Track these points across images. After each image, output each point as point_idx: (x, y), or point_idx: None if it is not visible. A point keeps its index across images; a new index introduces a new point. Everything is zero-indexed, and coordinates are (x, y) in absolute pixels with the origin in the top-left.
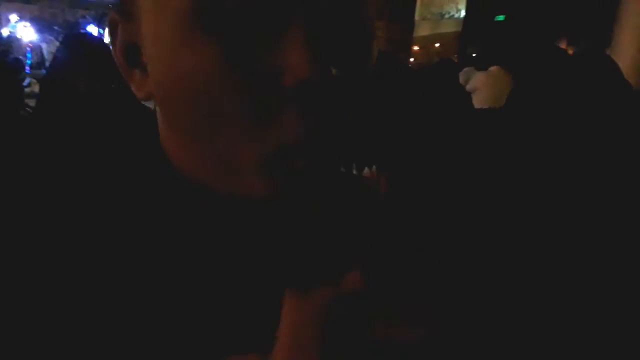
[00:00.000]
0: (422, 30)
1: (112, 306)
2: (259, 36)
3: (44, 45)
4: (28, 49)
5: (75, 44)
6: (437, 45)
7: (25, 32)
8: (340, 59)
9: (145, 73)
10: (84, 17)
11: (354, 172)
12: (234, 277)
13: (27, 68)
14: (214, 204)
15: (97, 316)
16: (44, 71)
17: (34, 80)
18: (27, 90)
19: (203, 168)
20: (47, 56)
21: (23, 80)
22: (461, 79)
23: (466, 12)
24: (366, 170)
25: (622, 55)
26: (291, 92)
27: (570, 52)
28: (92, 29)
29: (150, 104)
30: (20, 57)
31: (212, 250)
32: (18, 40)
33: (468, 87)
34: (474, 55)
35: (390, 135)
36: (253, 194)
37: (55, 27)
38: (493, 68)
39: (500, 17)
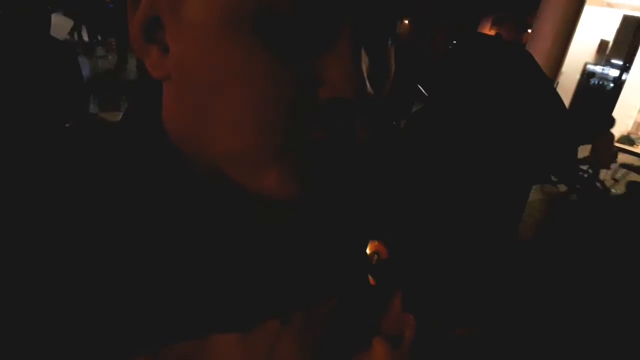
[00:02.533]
0: None
1: (116, 298)
2: (308, 45)
3: None
4: None
5: None
6: None
7: None
8: (379, 79)
9: (164, 52)
10: None
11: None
12: (237, 273)
13: None
14: (219, 193)
15: (101, 308)
16: None
17: None
18: None
19: (219, 156)
20: None
21: None
22: None
23: None
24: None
25: (539, 45)
26: (324, 105)
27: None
28: None
29: None
30: None
31: (217, 242)
32: None
33: None
34: None
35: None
36: (266, 186)
37: None
38: None
39: None
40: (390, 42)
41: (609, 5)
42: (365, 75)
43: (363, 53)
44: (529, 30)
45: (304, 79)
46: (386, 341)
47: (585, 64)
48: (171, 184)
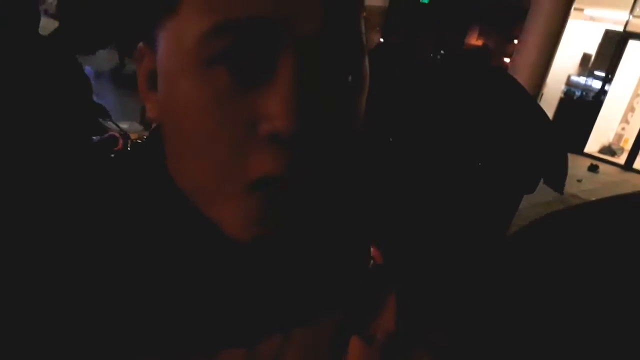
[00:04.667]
0: None
1: (119, 314)
2: (246, 80)
3: None
4: None
5: None
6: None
7: None
8: (329, 113)
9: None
10: None
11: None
12: (240, 290)
13: None
14: (210, 230)
15: (104, 325)
16: None
17: None
18: None
19: (194, 192)
20: None
21: None
22: None
23: None
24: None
25: (525, 56)
26: (264, 138)
27: (480, 42)
28: None
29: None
30: None
31: (219, 259)
32: None
33: None
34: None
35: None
36: (227, 227)
37: None
38: None
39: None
40: (350, 77)
41: (592, 19)
42: (300, 109)
43: (309, 86)
44: (515, 41)
45: (246, 116)
46: (362, 338)
47: (569, 76)
48: (174, 208)
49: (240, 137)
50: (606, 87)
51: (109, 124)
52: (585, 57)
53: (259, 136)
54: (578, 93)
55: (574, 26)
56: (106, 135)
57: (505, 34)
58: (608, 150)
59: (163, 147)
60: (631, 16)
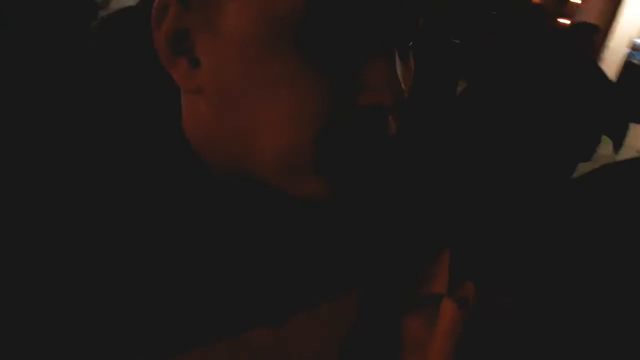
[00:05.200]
0: None
1: (128, 297)
2: (347, 55)
3: None
4: None
5: None
6: None
7: None
8: (407, 80)
9: (194, 65)
10: None
11: None
12: (260, 268)
13: None
14: (242, 195)
15: (108, 310)
16: None
17: None
18: None
19: (258, 164)
20: None
21: None
22: None
23: None
24: None
25: (585, 19)
26: (363, 110)
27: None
28: None
29: None
30: None
31: (242, 236)
32: None
33: None
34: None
35: None
36: (305, 193)
37: None
38: None
39: None
40: (411, 44)
41: None
42: (401, 80)
43: (397, 57)
44: (571, 0)
45: (344, 87)
46: (455, 301)
47: (632, 40)
48: (194, 188)
49: (337, 109)
50: None
51: None
52: None
53: (357, 106)
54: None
55: None
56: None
57: None
58: None
59: (177, 119)
60: None
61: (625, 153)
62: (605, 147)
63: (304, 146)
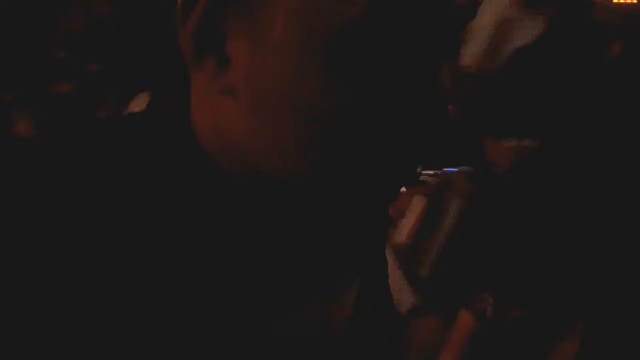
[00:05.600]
0: None
1: (137, 295)
2: (395, 84)
3: None
4: None
5: None
6: None
7: None
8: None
9: (224, 64)
10: None
11: None
12: (263, 264)
13: None
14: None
15: (118, 307)
16: None
17: None
18: None
19: (284, 170)
20: None
21: None
22: None
23: None
24: None
25: None
26: (394, 127)
27: None
28: None
29: None
30: None
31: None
32: None
33: None
34: None
35: None
36: (323, 199)
37: None
38: None
39: None
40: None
41: None
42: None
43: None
44: None
45: (376, 106)
46: (472, 314)
47: None
48: (204, 191)
49: (367, 127)
50: None
51: None
52: None
53: (390, 124)
54: None
55: None
56: None
57: None
58: None
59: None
60: None
61: None
62: None
63: (334, 160)
